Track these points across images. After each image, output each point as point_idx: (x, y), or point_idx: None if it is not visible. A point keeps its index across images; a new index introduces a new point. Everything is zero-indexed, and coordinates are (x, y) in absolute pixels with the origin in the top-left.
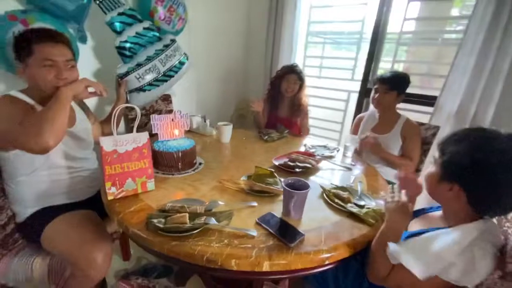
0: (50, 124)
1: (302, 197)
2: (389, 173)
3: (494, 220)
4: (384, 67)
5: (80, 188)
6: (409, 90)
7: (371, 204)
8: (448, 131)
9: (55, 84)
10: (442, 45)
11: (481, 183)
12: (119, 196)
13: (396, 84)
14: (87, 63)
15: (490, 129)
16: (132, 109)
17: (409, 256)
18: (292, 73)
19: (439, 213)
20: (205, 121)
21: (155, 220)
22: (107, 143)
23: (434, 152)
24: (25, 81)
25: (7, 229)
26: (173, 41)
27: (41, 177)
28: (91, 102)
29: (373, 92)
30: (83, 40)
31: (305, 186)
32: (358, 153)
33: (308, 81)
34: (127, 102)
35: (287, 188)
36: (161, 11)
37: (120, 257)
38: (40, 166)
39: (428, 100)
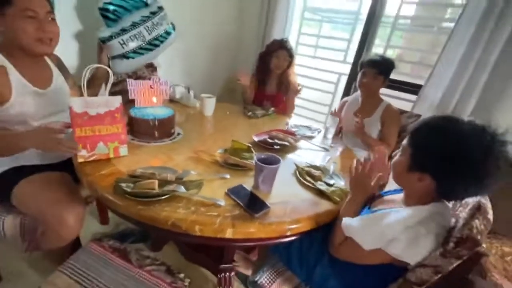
0: None
1: (272, 171)
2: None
3: (450, 204)
4: (377, 51)
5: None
6: (397, 77)
7: (340, 183)
8: None
9: (36, 36)
10: (438, 33)
11: (454, 175)
12: (90, 159)
13: (385, 69)
14: (66, 23)
15: (456, 117)
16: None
17: (358, 228)
18: (283, 49)
19: (400, 195)
20: (189, 92)
21: (123, 184)
22: (77, 104)
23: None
24: None
25: None
26: (160, 8)
27: None
28: (71, 66)
29: (360, 75)
30: None
31: (276, 162)
32: (337, 135)
33: (300, 60)
34: (108, 68)
35: (258, 162)
36: None
37: (98, 221)
38: (15, 126)
39: (414, 89)
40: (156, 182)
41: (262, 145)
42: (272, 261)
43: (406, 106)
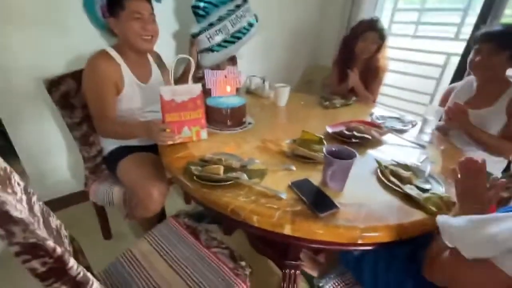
0: (114, 136)
1: (344, 166)
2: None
3: None
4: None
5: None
6: None
7: (439, 189)
8: None
9: (141, 34)
10: None
11: None
12: (177, 141)
13: (509, 40)
14: (165, 23)
15: None
16: (199, 68)
17: (460, 228)
18: (372, 30)
19: None
20: (264, 83)
21: (192, 167)
22: (166, 93)
23: None
24: (115, 35)
25: (96, 160)
26: (245, 1)
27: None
28: (167, 61)
29: (472, 53)
30: None
31: (351, 156)
32: (442, 131)
33: (395, 42)
34: (197, 62)
35: (327, 155)
36: None
37: (183, 200)
38: (123, 112)
39: None
40: (222, 168)
41: (338, 137)
42: (341, 269)
43: None
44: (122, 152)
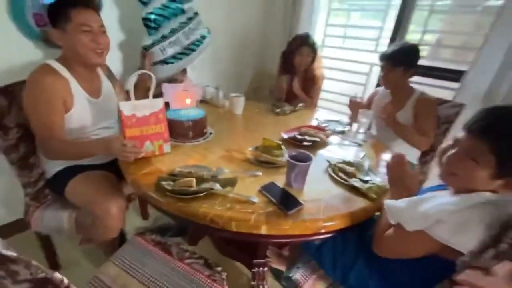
0: (64, 157)
1: (304, 168)
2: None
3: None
4: (413, 38)
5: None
6: (438, 64)
7: (376, 180)
8: (473, 112)
9: (91, 48)
10: (482, 14)
11: None
12: (139, 156)
13: (401, 59)
14: (111, 33)
15: None
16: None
17: (402, 208)
18: (305, 45)
19: (442, 192)
20: (218, 92)
21: (164, 183)
22: (126, 108)
23: (457, 133)
24: (55, 46)
25: (38, 184)
26: (196, 14)
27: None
28: (117, 73)
29: (380, 70)
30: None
31: (308, 159)
32: (370, 130)
33: (328, 52)
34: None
35: (290, 159)
36: None
37: (140, 216)
38: (74, 130)
39: (456, 76)
40: (194, 180)
41: (292, 142)
42: (306, 258)
43: (448, 95)
44: (70, 172)
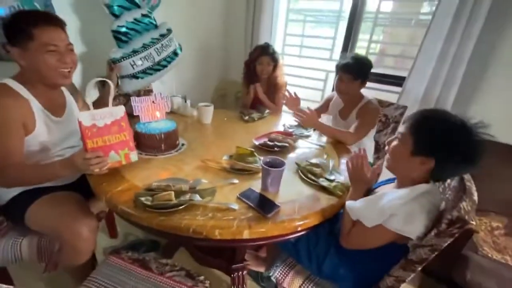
0: (22, 183)
1: (278, 174)
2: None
3: (438, 187)
4: (362, 46)
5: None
6: (382, 71)
7: (340, 178)
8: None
9: (58, 68)
10: (416, 26)
11: (453, 158)
12: (105, 167)
13: (361, 72)
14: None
15: (443, 110)
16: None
17: (361, 208)
18: (265, 55)
19: (391, 185)
20: (185, 102)
21: (142, 198)
22: (85, 118)
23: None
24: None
25: None
26: (169, 30)
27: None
28: (78, 83)
29: (336, 80)
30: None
31: (281, 164)
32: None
33: (287, 60)
34: (117, 87)
35: (264, 166)
36: None
37: (107, 235)
38: (36, 153)
39: (399, 81)
40: (173, 193)
41: (264, 148)
42: (283, 256)
43: (393, 98)
44: (29, 197)
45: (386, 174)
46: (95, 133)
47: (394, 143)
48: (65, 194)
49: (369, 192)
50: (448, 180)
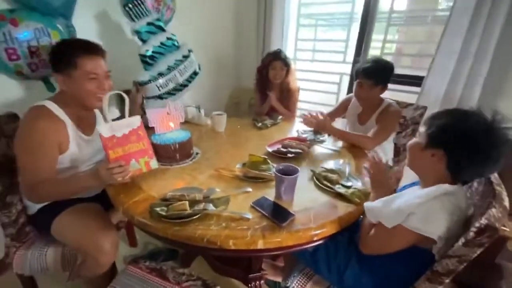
0: (54, 197)
1: (292, 181)
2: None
3: (464, 190)
4: (376, 46)
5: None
6: (400, 71)
7: (358, 184)
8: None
9: (96, 93)
10: (433, 24)
11: (462, 149)
12: (127, 175)
13: (382, 77)
14: None
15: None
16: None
17: (380, 208)
18: (277, 60)
19: (416, 187)
20: (199, 111)
21: (157, 209)
22: (104, 130)
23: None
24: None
25: (18, 222)
26: (190, 51)
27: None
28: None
29: (355, 85)
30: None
31: (295, 171)
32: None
33: (300, 65)
34: (142, 105)
35: (278, 173)
36: (148, 2)
37: (127, 244)
38: (68, 168)
39: (418, 81)
40: (187, 203)
41: (277, 155)
42: (300, 266)
43: (411, 98)
44: (56, 208)
45: (410, 178)
46: (115, 144)
47: (413, 140)
48: (88, 206)
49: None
50: (475, 184)
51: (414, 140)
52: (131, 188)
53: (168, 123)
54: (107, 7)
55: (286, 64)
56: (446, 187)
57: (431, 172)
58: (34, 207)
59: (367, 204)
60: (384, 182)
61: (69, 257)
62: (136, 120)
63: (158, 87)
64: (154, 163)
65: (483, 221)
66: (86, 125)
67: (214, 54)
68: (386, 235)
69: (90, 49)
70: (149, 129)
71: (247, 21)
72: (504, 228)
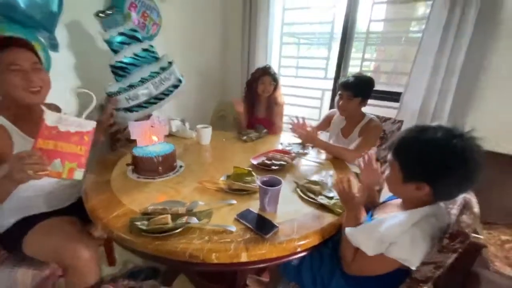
0: None
1: (275, 192)
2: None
3: (442, 204)
4: (355, 64)
5: (61, 196)
6: (379, 87)
7: None
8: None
9: (23, 87)
10: (407, 44)
11: (449, 181)
12: (42, 174)
13: (360, 89)
14: (62, 72)
15: (426, 125)
16: (113, 124)
17: (361, 236)
18: (267, 75)
19: (398, 200)
20: (184, 124)
21: (138, 223)
22: (50, 118)
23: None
24: None
25: None
26: (170, 63)
27: (23, 191)
28: (74, 112)
29: (337, 97)
30: (55, 48)
31: (278, 183)
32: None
33: (283, 81)
34: (112, 117)
35: (261, 185)
36: (134, 17)
37: (106, 263)
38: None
39: (395, 96)
40: (169, 216)
41: (261, 167)
42: (285, 281)
43: (390, 113)
44: (25, 225)
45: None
46: (52, 135)
47: (387, 172)
48: (63, 219)
49: (375, 206)
50: None
51: (388, 172)
52: (111, 202)
53: (151, 137)
54: (85, 17)
55: (274, 79)
56: (426, 210)
57: (415, 197)
58: (3, 225)
59: (348, 230)
60: (353, 199)
61: (41, 278)
62: (89, 125)
63: (127, 100)
64: (79, 174)
65: (455, 227)
66: (35, 128)
67: (200, 68)
68: (367, 262)
69: (12, 41)
70: (133, 142)
71: (232, 37)
72: (478, 236)
